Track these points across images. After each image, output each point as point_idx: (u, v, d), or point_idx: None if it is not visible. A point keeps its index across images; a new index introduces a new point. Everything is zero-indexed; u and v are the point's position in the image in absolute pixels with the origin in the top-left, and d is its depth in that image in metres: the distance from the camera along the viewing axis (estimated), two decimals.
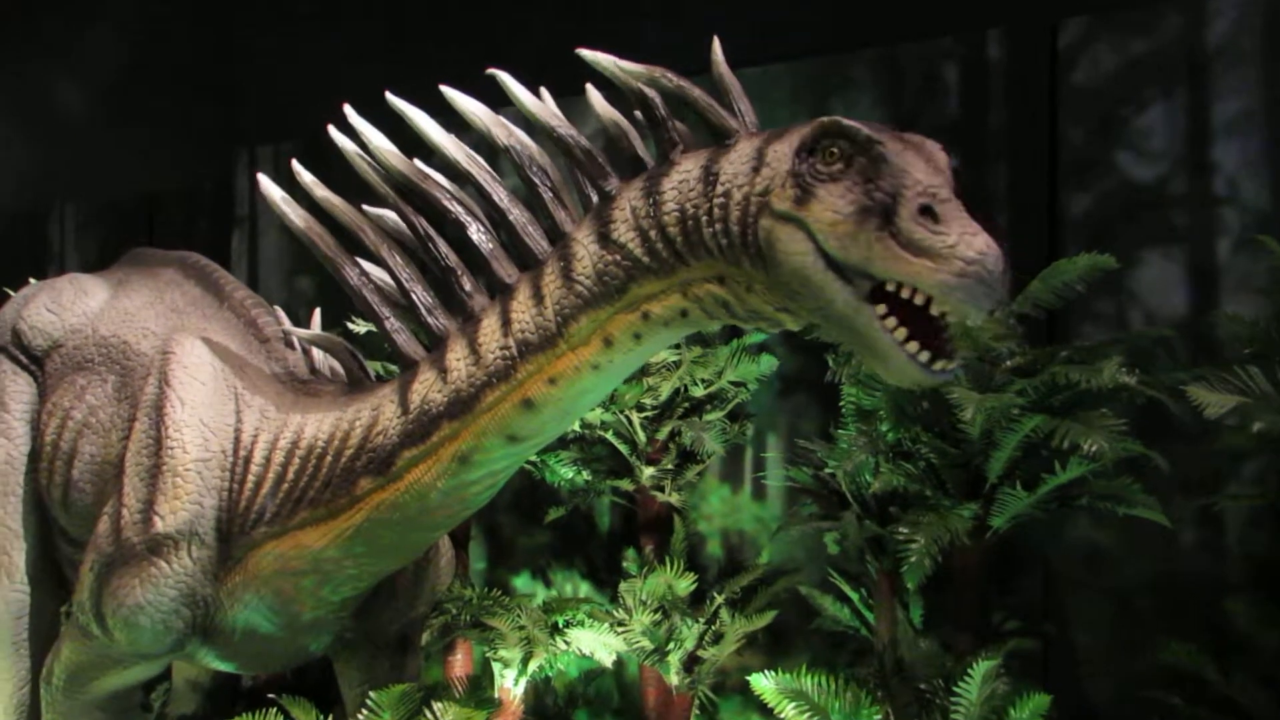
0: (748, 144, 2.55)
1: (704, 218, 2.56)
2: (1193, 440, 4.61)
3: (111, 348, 3.78)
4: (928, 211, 2.22)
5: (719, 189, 2.54)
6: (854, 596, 4.83)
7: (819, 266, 2.34)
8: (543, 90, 2.99)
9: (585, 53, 2.80)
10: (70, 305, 4.00)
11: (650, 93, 2.73)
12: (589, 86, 2.87)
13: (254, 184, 3.36)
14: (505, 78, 2.93)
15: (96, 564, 3.34)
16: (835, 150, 2.33)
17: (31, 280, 4.45)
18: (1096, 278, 4.40)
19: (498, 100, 3.00)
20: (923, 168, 2.29)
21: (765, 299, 2.56)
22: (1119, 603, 4.91)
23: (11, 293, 4.36)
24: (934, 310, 2.27)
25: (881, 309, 2.31)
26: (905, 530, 4.10)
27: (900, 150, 2.31)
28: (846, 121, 2.33)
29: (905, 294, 2.28)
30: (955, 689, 3.62)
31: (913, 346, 2.30)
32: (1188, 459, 4.58)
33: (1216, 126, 4.87)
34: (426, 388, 3.00)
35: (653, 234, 2.66)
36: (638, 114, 2.79)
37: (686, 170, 2.64)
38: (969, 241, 2.19)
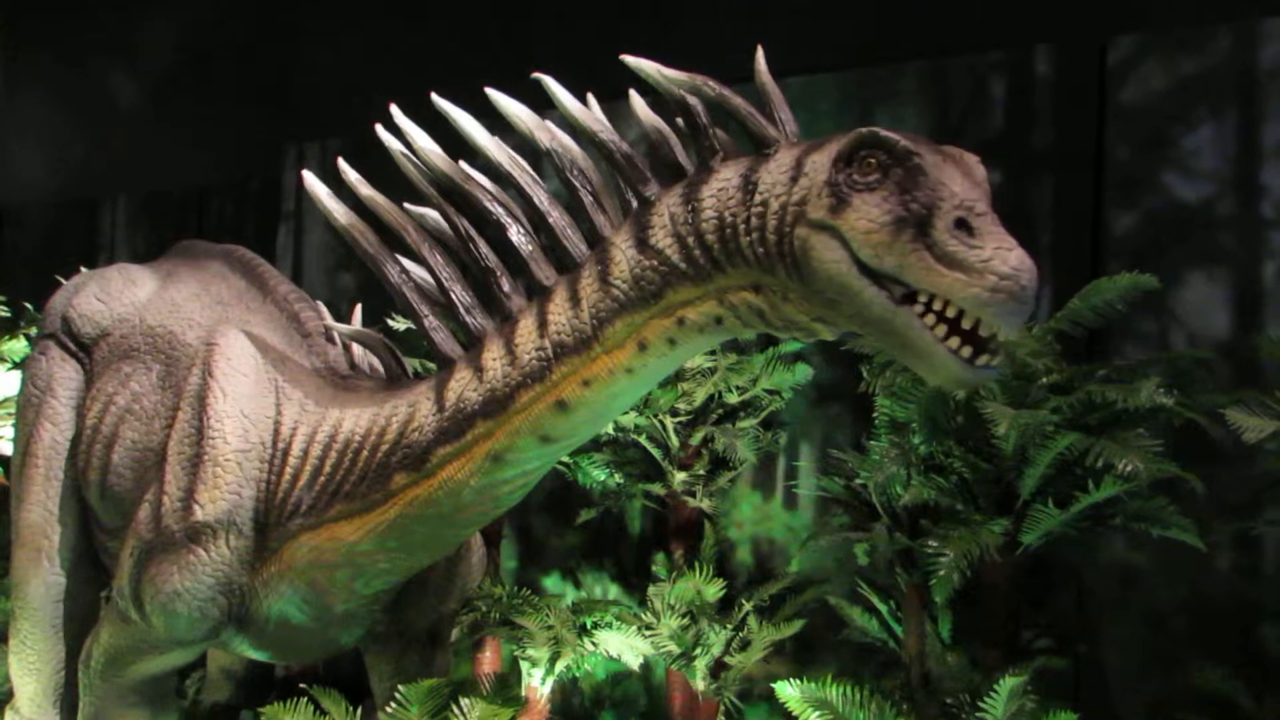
0: (787, 154, 2.57)
1: (741, 226, 2.58)
2: (1231, 464, 4.56)
3: (157, 337, 3.85)
4: (963, 225, 2.24)
5: (757, 198, 2.55)
6: (883, 608, 4.81)
7: (854, 273, 2.36)
8: (589, 96, 3.02)
9: (629, 59, 2.82)
10: (119, 295, 4.08)
11: (692, 100, 2.75)
12: (631, 92, 2.89)
13: (301, 181, 3.40)
14: (549, 81, 2.96)
15: (136, 550, 3.40)
16: (873, 161, 2.35)
17: (82, 269, 4.53)
18: (1138, 297, 4.37)
19: (541, 103, 3.03)
20: (960, 181, 2.30)
21: (800, 308, 2.57)
22: (1152, 624, 4.87)
23: (63, 281, 4.44)
24: (965, 324, 2.28)
25: (919, 308, 2.32)
26: (935, 544, 4.08)
27: (938, 163, 2.32)
28: (884, 132, 2.35)
29: (938, 304, 2.30)
30: (981, 704, 3.60)
31: (954, 342, 2.30)
32: (1225, 482, 4.54)
33: (1266, 149, 4.83)
34: (462, 386, 3.03)
35: (690, 240, 2.68)
36: (679, 121, 2.81)
37: (726, 178, 2.66)
38: (1003, 256, 2.20)
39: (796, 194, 2.47)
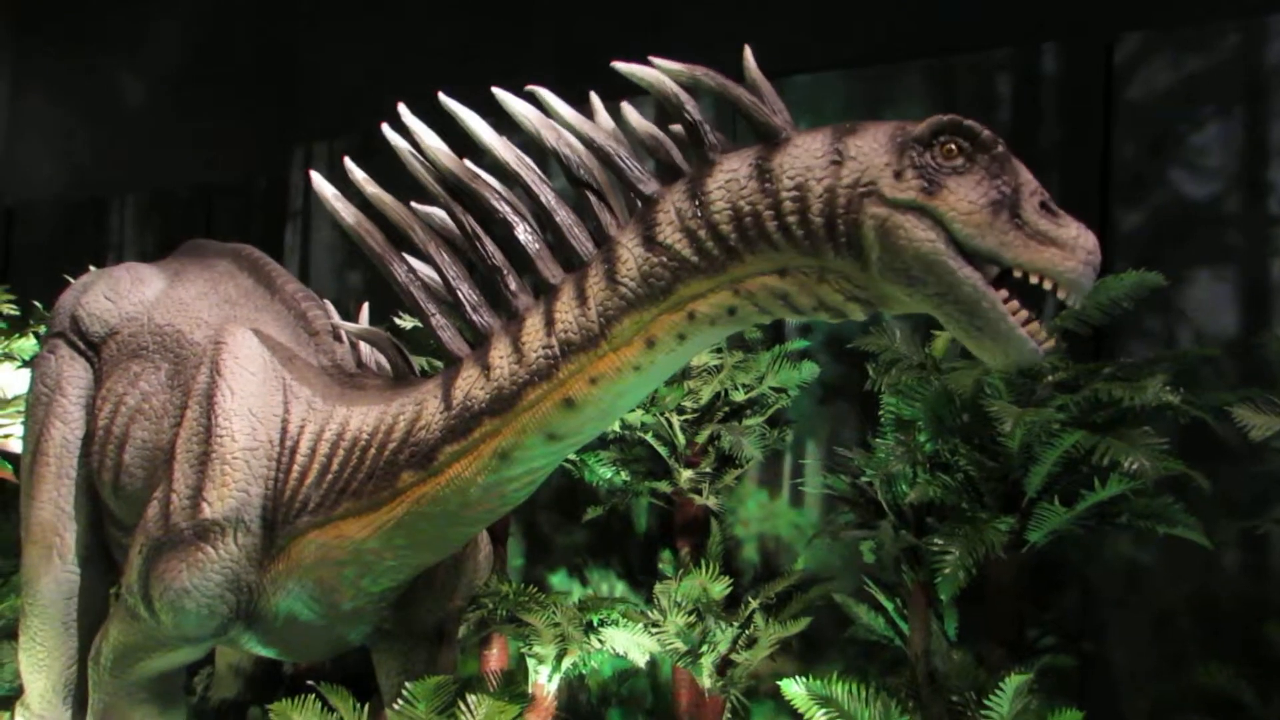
0: (811, 139, 2.63)
1: (767, 212, 2.63)
2: (1237, 462, 4.56)
3: (166, 336, 3.86)
4: (1046, 207, 2.47)
5: (787, 182, 2.61)
6: (888, 606, 4.82)
7: (950, 253, 2.48)
8: (593, 95, 3.04)
9: (621, 66, 2.87)
10: (127, 294, 4.10)
11: (684, 97, 2.79)
12: (624, 104, 2.95)
13: (308, 179, 3.42)
14: (545, 94, 3.00)
15: (145, 547, 3.41)
16: (954, 146, 2.50)
17: (91, 268, 4.54)
18: (1144, 295, 4.37)
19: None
20: (1025, 169, 2.51)
21: (838, 288, 2.64)
22: (1157, 622, 4.86)
23: (72, 280, 4.46)
24: (1060, 295, 2.45)
25: (1004, 293, 2.49)
26: (940, 541, 4.09)
27: (1009, 152, 2.51)
28: (967, 120, 2.49)
29: (1034, 279, 2.45)
30: (987, 702, 3.61)
31: (1034, 327, 2.50)
32: (1232, 480, 4.53)
33: (1272, 146, 4.82)
34: (469, 384, 3.05)
35: (702, 233, 2.71)
36: (674, 127, 2.84)
37: (733, 169, 2.70)
38: (1086, 234, 2.46)
39: (847, 177, 2.55)
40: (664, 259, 2.76)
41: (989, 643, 4.39)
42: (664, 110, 2.83)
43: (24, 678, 4.18)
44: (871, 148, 2.55)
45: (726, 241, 2.69)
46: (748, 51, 2.77)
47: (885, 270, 2.55)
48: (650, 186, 2.85)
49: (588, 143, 2.94)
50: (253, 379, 3.43)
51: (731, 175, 2.69)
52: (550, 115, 2.98)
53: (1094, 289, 4.32)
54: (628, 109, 2.94)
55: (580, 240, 2.96)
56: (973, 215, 2.45)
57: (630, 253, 2.82)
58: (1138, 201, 5.09)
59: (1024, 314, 2.49)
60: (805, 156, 2.61)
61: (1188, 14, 5.05)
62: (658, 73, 2.82)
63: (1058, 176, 5.28)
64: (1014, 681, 3.56)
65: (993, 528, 4.11)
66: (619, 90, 3.04)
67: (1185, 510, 4.15)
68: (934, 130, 2.50)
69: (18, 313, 7.02)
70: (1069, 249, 2.42)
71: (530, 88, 3.00)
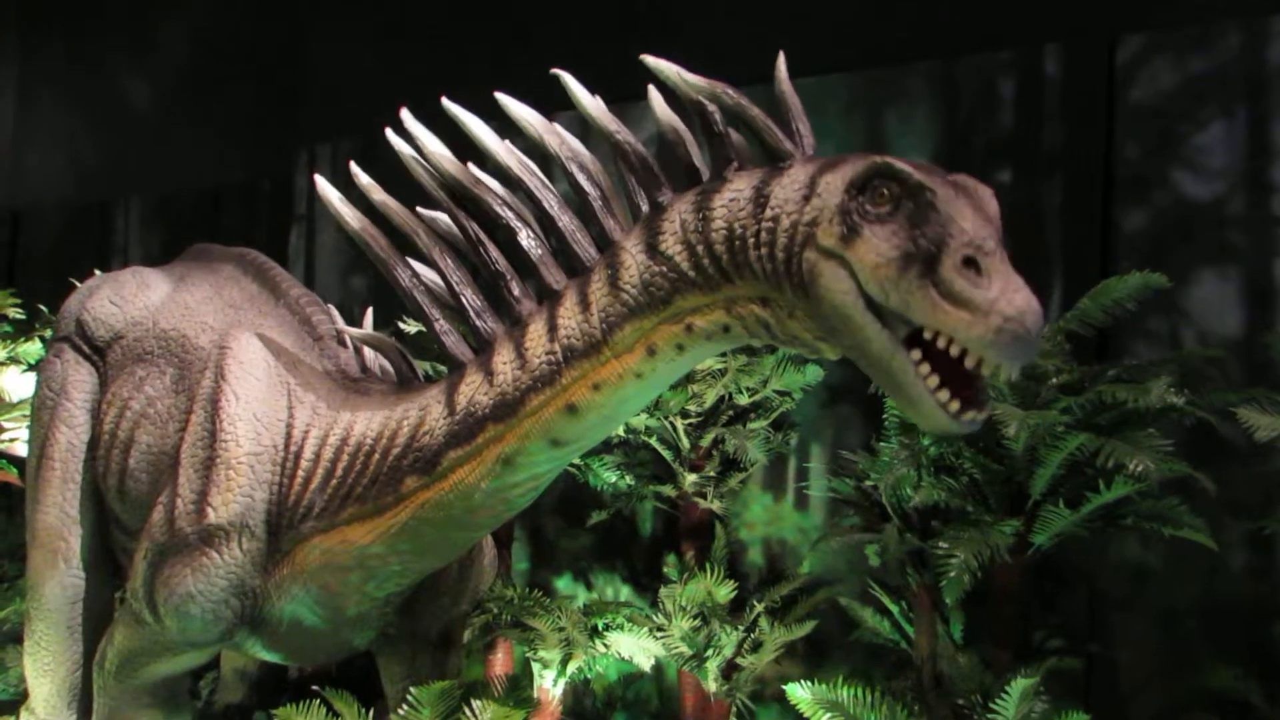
0: (801, 170, 2.54)
1: (751, 239, 2.57)
2: (1242, 463, 4.56)
3: (171, 341, 3.87)
4: (971, 263, 2.20)
5: (768, 212, 2.53)
6: (894, 609, 4.82)
7: (859, 307, 2.34)
8: (595, 96, 3.03)
9: (649, 59, 2.82)
10: (132, 298, 4.10)
11: (710, 106, 2.74)
12: (650, 88, 2.88)
13: (313, 183, 3.42)
14: (568, 78, 2.95)
15: (150, 552, 3.41)
16: (885, 192, 2.32)
17: (96, 272, 4.55)
18: (1148, 296, 4.37)
19: (550, 107, 3.04)
20: (970, 217, 2.26)
21: (806, 326, 2.56)
22: (1164, 624, 4.86)
23: (77, 284, 4.47)
24: (968, 363, 2.24)
25: (917, 354, 2.31)
26: (945, 545, 4.09)
27: (950, 197, 2.28)
28: (899, 164, 2.32)
29: (941, 342, 2.26)
30: (993, 705, 3.62)
31: (943, 395, 2.29)
32: (1237, 481, 4.53)
33: (1276, 146, 4.82)
34: (473, 390, 3.04)
35: (700, 249, 2.67)
36: (696, 121, 2.81)
37: (738, 189, 2.64)
38: (1010, 298, 2.16)
39: (808, 214, 2.45)
40: (664, 269, 2.73)
41: (995, 646, 4.38)
42: (683, 109, 2.78)
43: (29, 682, 4.19)
44: (835, 185, 2.40)
45: (719, 261, 2.64)
46: (781, 60, 2.70)
47: (813, 316, 2.46)
48: (663, 194, 2.80)
49: (607, 136, 2.88)
50: (257, 384, 3.43)
51: (735, 195, 2.63)
52: (574, 101, 2.93)
53: (1097, 290, 4.34)
54: (655, 97, 2.87)
55: (583, 246, 2.95)
56: (879, 269, 2.27)
57: (633, 259, 2.80)
58: (1140, 202, 5.09)
59: (935, 379, 2.28)
60: (789, 187, 2.52)
61: (1190, 14, 5.04)
62: (680, 76, 2.77)
63: (1061, 178, 5.29)
64: (1020, 684, 3.57)
65: (998, 530, 4.11)
66: (622, 94, 3.04)
67: (1191, 512, 4.14)
68: (869, 173, 2.33)
69: (23, 316, 7.04)
70: (980, 313, 2.15)
71: (555, 71, 2.96)
